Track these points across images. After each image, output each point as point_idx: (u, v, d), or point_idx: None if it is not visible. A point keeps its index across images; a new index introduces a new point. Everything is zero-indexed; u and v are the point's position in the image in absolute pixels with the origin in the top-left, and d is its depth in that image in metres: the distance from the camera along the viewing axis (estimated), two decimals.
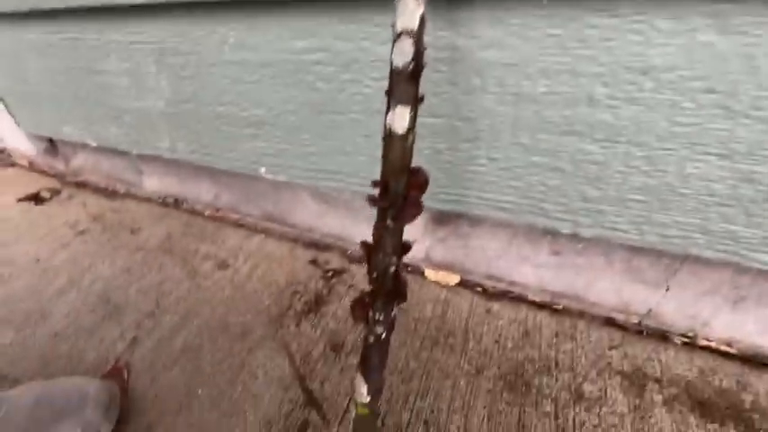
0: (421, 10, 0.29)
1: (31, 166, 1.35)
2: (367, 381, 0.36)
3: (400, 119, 0.30)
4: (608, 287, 0.65)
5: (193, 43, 0.66)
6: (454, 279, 0.77)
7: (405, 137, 0.31)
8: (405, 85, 0.30)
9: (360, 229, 0.82)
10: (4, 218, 1.08)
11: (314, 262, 0.85)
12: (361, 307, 0.35)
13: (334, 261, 0.85)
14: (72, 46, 0.80)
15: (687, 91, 0.41)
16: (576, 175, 0.51)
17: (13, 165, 1.38)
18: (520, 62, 0.46)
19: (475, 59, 0.48)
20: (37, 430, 0.47)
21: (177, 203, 1.07)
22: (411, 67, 0.30)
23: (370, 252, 0.34)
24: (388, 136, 0.31)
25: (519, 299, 0.73)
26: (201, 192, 1.01)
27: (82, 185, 1.22)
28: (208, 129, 0.76)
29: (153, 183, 1.09)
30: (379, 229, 0.33)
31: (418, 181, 0.32)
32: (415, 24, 0.29)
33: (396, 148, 0.31)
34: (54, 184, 1.23)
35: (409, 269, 0.79)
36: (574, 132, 0.48)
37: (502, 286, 0.74)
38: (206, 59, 0.66)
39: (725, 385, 0.58)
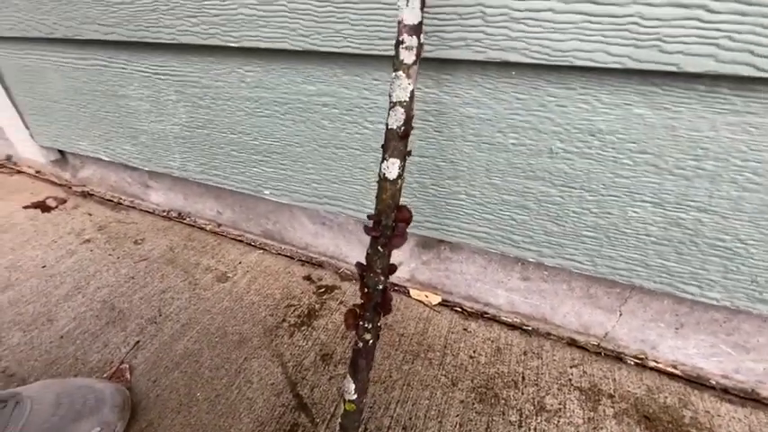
0: (412, 87, 0.38)
1: (38, 175, 1.40)
2: (355, 380, 0.43)
3: (392, 168, 0.38)
4: (570, 311, 0.73)
5: (213, 78, 0.74)
6: (436, 299, 0.84)
7: (395, 181, 0.39)
8: (397, 142, 0.38)
9: (352, 249, 0.89)
10: (11, 224, 1.13)
11: (308, 278, 0.92)
12: (352, 317, 0.42)
13: (327, 278, 0.92)
14: (98, 71, 0.88)
15: (625, 150, 0.50)
16: (539, 213, 0.59)
17: (19, 172, 1.43)
18: (493, 118, 0.55)
19: (456, 113, 0.57)
20: (60, 428, 0.52)
21: (181, 217, 1.13)
22: (402, 129, 0.38)
23: (363, 271, 0.41)
24: (382, 180, 0.39)
25: (494, 319, 0.80)
26: (205, 208, 1.08)
27: (88, 196, 1.27)
28: (219, 153, 0.84)
29: (158, 197, 1.15)
30: (371, 253, 0.40)
31: (404, 216, 0.39)
32: (406, 97, 0.38)
33: (387, 190, 0.39)
34: (60, 193, 1.29)
35: (396, 288, 0.86)
36: (537, 177, 0.57)
37: (479, 307, 0.81)
38: (223, 93, 0.75)
39: (669, 402, 0.65)
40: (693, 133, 0.46)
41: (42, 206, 1.22)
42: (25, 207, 1.21)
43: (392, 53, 0.55)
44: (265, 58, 0.66)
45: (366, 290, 0.41)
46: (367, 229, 0.40)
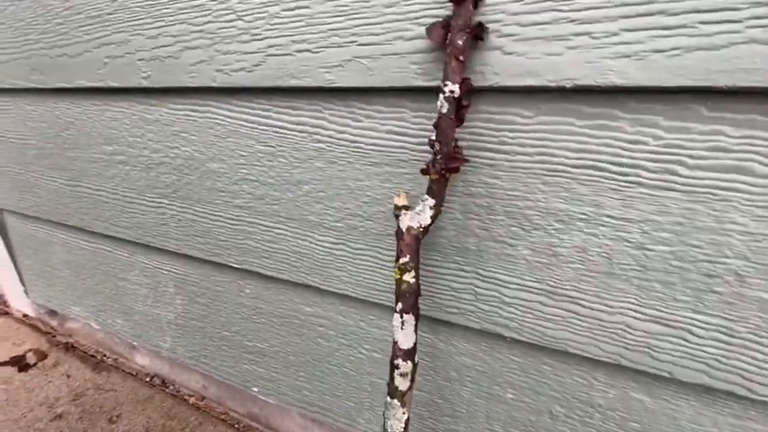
0: (407, 416, 0.38)
1: (24, 319, 1.37)
2: None
3: None
4: None
5: (213, 283, 0.76)
6: None
7: None
8: None
9: None
10: None
11: None
12: None
13: None
14: (102, 254, 0.91)
15: (628, 429, 0.49)
16: None
17: (6, 314, 1.40)
18: (489, 372, 0.55)
19: (452, 360, 0.57)
20: None
21: (164, 384, 1.08)
22: None
23: None
24: None
25: None
26: (191, 380, 1.03)
27: (71, 349, 1.23)
28: (210, 345, 0.82)
29: (144, 360, 1.11)
30: None
31: None
32: (401, 428, 0.37)
33: None
34: (42, 344, 1.24)
35: None
36: None
37: None
38: (222, 296, 0.76)
39: None
40: (696, 427, 0.45)
41: (20, 363, 1.17)
42: (2, 364, 1.15)
43: (388, 303, 0.57)
44: (266, 279, 0.69)
45: None
46: None
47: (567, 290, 0.45)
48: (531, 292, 0.47)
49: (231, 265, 0.70)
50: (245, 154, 0.60)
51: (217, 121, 0.61)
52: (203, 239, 0.71)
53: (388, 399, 0.38)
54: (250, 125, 0.58)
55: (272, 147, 0.57)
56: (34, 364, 1.17)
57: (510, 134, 0.43)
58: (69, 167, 0.83)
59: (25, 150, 0.89)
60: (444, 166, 0.41)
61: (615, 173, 0.40)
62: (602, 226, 0.42)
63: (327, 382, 0.70)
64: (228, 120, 0.60)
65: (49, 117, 0.81)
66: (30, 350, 1.22)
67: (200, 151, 0.64)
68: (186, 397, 1.04)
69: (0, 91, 0.85)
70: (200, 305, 0.80)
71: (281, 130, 0.56)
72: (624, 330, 0.44)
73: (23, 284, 1.17)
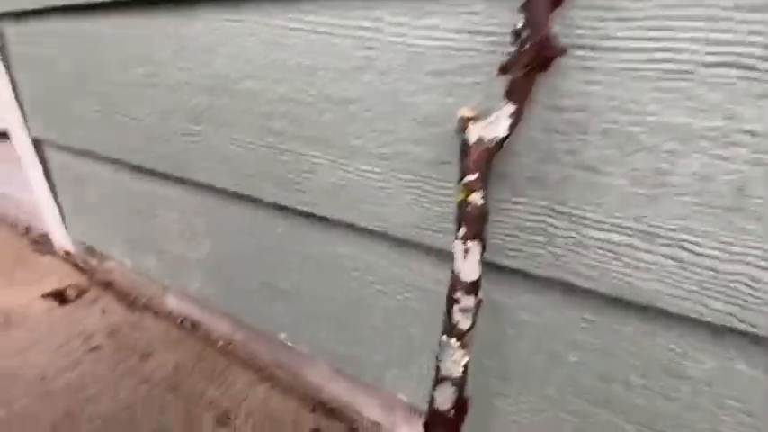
0: (467, 359, 0.31)
1: (67, 257, 1.42)
2: None
3: None
4: None
5: (243, 219, 0.72)
6: None
7: None
8: (443, 428, 0.30)
9: (369, 403, 0.79)
10: (26, 317, 1.11)
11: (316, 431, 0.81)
12: None
13: None
14: (136, 188, 0.89)
15: (727, 406, 0.40)
16: None
17: (51, 252, 1.45)
18: (552, 330, 0.47)
19: (509, 314, 0.49)
20: None
21: (194, 328, 1.08)
22: (452, 413, 0.30)
23: None
24: None
25: None
26: (220, 323, 1.02)
27: (109, 286, 1.26)
28: (241, 287, 0.79)
29: (175, 302, 1.11)
30: None
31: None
32: (459, 372, 0.31)
33: None
34: (83, 281, 1.28)
35: None
36: (605, 405, 0.47)
37: None
38: (253, 236, 0.72)
39: None
40: None
41: (61, 297, 1.21)
42: (44, 296, 1.20)
43: (437, 245, 0.50)
44: (299, 215, 0.63)
45: None
46: None
47: (671, 230, 0.36)
48: (623, 233, 0.38)
49: (263, 199, 0.65)
50: (281, 68, 0.53)
51: (251, 31, 0.54)
52: (234, 169, 0.66)
53: (445, 337, 0.32)
54: (289, 34, 0.51)
55: (313, 58, 0.50)
56: (74, 299, 1.20)
57: (617, 23, 0.33)
58: (104, 94, 0.80)
59: (62, 79, 0.87)
60: (535, 58, 0.32)
61: (763, 72, 0.30)
62: (737, 145, 0.32)
63: (357, 331, 0.65)
64: (264, 29, 0.53)
65: (82, 39, 0.77)
66: (70, 285, 1.26)
67: (234, 68, 0.58)
68: (215, 340, 1.03)
69: (36, 13, 0.82)
70: (230, 244, 0.77)
71: (325, 37, 0.48)
72: (744, 284, 0.35)
73: (63, 221, 1.20)
